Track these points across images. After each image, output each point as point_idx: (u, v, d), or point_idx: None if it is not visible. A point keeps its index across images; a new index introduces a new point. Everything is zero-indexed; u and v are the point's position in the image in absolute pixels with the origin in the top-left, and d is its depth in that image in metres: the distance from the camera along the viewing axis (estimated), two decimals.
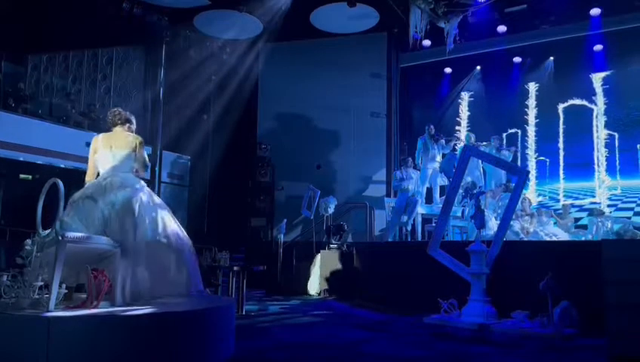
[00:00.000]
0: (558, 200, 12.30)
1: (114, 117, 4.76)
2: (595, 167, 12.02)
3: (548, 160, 12.61)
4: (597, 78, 12.10)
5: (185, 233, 4.72)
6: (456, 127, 13.46)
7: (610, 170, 11.87)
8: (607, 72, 11.97)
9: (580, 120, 12.29)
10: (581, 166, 12.21)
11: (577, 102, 12.24)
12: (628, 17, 11.23)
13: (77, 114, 11.98)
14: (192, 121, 14.03)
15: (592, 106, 12.12)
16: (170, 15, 12.64)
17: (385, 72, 13.56)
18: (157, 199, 4.68)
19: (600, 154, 12.02)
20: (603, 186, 11.85)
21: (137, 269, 4.18)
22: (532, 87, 13.05)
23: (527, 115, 12.96)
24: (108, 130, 4.83)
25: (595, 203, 11.70)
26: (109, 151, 4.58)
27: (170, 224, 4.52)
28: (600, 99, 12.05)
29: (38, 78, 12.20)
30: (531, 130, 12.95)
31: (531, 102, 13.04)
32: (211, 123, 14.60)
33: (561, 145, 12.51)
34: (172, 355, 3.71)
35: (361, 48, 13.49)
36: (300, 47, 13.83)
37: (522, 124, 12.95)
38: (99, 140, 4.67)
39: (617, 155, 11.82)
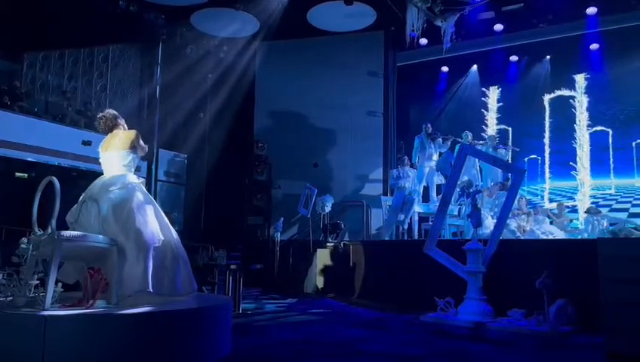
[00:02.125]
0: (542, 200, 12.28)
1: (105, 124, 4.72)
2: (576, 165, 11.87)
3: (539, 158, 12.60)
4: (580, 78, 12.06)
5: (170, 231, 4.62)
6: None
7: (604, 169, 11.82)
8: (587, 74, 11.94)
9: (570, 117, 12.26)
10: (569, 164, 12.17)
11: (565, 92, 12.15)
12: (624, 16, 11.28)
13: (73, 112, 11.92)
14: (188, 119, 14.00)
15: (579, 97, 12.00)
16: (167, 13, 12.62)
17: (382, 71, 13.57)
18: (141, 194, 4.57)
19: (583, 152, 11.83)
20: (583, 189, 11.56)
21: (133, 267, 4.16)
22: (493, 91, 13.27)
23: (518, 112, 12.97)
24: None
25: (573, 206, 11.59)
26: (104, 154, 4.66)
27: (144, 217, 4.40)
28: (581, 97, 11.99)
29: (34, 76, 12.14)
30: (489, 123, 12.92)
31: (492, 105, 13.12)
32: (208, 121, 14.57)
33: (546, 140, 12.45)
34: (168, 354, 3.71)
35: (358, 47, 13.49)
36: (297, 46, 13.81)
37: (513, 120, 12.95)
38: (101, 144, 4.75)
39: (611, 153, 11.78)
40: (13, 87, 11.12)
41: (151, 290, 4.11)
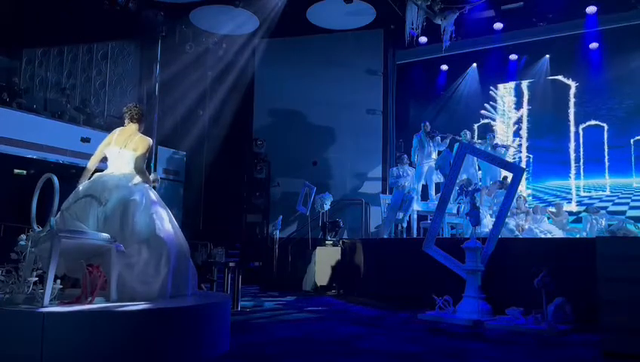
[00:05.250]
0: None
1: (133, 111, 4.73)
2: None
3: (532, 156, 12.51)
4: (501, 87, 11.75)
5: (180, 233, 4.64)
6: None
7: (599, 168, 11.73)
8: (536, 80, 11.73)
9: (557, 109, 12.11)
10: (554, 163, 12.00)
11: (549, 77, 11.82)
12: (624, 15, 11.27)
13: (72, 109, 11.92)
14: (187, 117, 13.99)
15: (505, 107, 11.68)
16: (166, 10, 12.59)
17: (381, 69, 13.55)
18: (154, 197, 4.61)
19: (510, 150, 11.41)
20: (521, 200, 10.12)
21: (153, 275, 4.19)
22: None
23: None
24: (122, 123, 4.82)
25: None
26: (120, 150, 4.56)
27: (162, 223, 4.42)
28: (507, 107, 11.73)
29: (33, 73, 12.13)
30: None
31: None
32: (207, 118, 14.55)
33: (523, 132, 12.24)
34: (167, 351, 3.71)
35: (357, 45, 13.47)
36: (296, 43, 13.79)
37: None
38: (115, 134, 4.68)
39: (606, 151, 11.68)
40: (12, 83, 11.11)
41: (169, 296, 4.18)
